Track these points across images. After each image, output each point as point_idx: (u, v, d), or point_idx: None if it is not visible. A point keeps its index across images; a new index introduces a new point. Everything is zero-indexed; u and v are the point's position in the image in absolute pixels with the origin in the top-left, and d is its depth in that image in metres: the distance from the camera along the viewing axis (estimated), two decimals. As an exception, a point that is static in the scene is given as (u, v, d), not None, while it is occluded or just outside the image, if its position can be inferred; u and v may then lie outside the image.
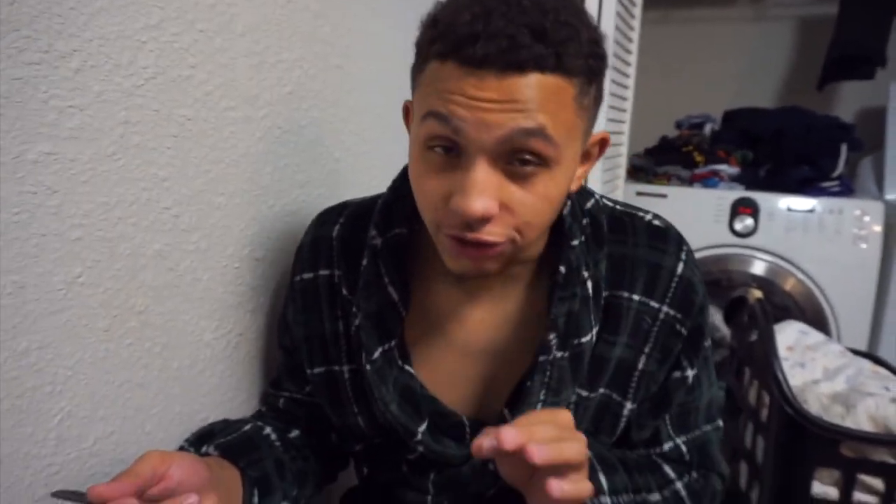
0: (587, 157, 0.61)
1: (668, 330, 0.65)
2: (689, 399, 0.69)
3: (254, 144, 0.81)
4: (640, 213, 0.69)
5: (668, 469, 0.68)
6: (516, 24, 0.49)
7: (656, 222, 0.68)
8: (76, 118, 0.58)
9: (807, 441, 1.18)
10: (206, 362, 0.78)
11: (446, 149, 0.53)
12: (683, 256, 0.66)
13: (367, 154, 1.09)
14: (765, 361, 1.27)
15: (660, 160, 2.08)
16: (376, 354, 0.65)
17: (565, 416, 0.52)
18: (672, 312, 0.65)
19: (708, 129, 2.12)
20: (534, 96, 0.50)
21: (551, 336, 0.61)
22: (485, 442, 0.47)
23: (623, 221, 0.67)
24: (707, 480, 0.70)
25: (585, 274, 0.63)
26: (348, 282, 0.70)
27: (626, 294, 0.65)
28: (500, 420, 0.63)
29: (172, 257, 0.71)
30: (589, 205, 0.67)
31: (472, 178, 0.51)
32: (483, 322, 0.67)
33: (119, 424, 0.67)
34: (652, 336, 0.65)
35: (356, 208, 0.75)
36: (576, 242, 0.63)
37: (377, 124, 1.10)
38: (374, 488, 0.79)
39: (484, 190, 0.51)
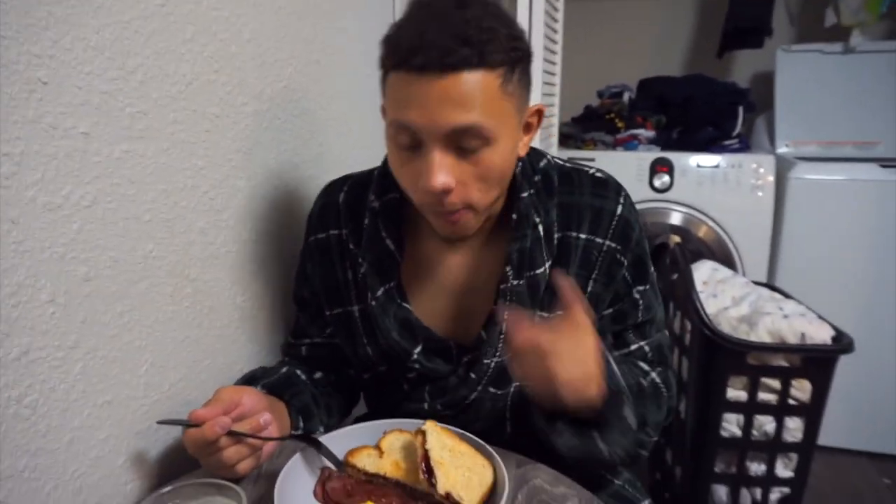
0: (529, 128, 0.75)
1: (611, 259, 0.80)
2: (647, 316, 0.84)
3: (262, 134, 0.95)
4: (585, 168, 0.83)
5: (641, 364, 0.84)
6: (446, 34, 0.62)
7: (598, 174, 0.83)
8: (143, 121, 0.71)
9: (721, 356, 1.43)
10: (238, 322, 0.92)
11: (411, 144, 0.68)
12: (622, 200, 0.81)
13: (345, 136, 1.23)
14: (686, 295, 1.52)
15: (586, 127, 2.30)
16: (379, 293, 0.81)
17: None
18: (613, 245, 0.80)
19: (626, 97, 2.35)
20: (468, 90, 0.63)
21: (508, 269, 0.77)
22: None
23: (570, 175, 0.82)
24: (666, 374, 0.85)
25: (536, 219, 0.77)
26: (354, 238, 0.85)
27: (574, 234, 0.80)
28: (479, 340, 0.80)
29: (211, 233, 0.84)
30: (542, 164, 0.82)
31: (430, 162, 0.66)
32: (460, 265, 0.83)
33: (184, 373, 0.81)
34: (597, 265, 0.80)
35: (357, 179, 0.90)
36: (525, 195, 0.78)
37: (351, 110, 1.24)
38: (381, 411, 0.96)
39: (440, 168, 0.66)
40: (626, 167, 2.10)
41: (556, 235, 0.80)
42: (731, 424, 1.49)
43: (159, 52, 0.72)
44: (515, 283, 0.77)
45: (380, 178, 0.84)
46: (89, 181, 0.64)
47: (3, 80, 0.55)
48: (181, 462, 0.81)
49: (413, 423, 0.72)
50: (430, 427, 0.67)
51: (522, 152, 0.76)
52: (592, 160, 2.13)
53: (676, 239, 1.66)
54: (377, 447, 0.70)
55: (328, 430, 0.84)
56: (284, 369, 0.89)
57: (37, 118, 0.58)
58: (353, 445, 0.71)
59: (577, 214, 0.80)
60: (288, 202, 1.04)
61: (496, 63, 0.65)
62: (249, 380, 0.86)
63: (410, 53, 0.63)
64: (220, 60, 0.83)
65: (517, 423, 0.84)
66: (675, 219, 2.12)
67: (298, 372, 0.90)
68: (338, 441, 0.71)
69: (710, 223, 2.10)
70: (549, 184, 0.81)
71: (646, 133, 2.21)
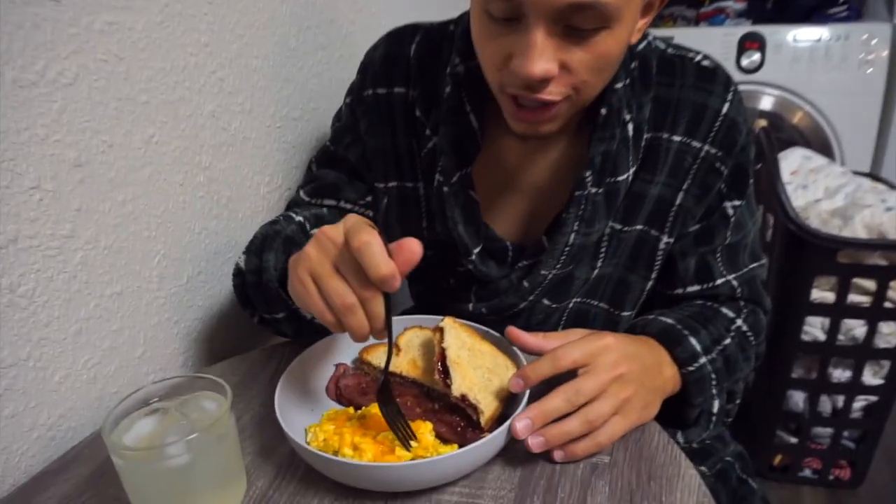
0: (649, 8, 0.59)
1: (708, 167, 0.67)
2: (737, 238, 0.71)
3: (278, 7, 0.86)
4: (691, 55, 0.68)
5: (725, 310, 0.70)
6: None
7: (705, 63, 0.67)
8: (127, -12, 0.63)
9: (807, 254, 1.28)
10: (264, 213, 0.88)
11: (507, 15, 0.53)
12: (730, 97, 0.66)
13: (376, 15, 1.12)
14: (769, 186, 1.35)
15: (665, 2, 2.06)
16: (455, 178, 0.68)
17: (594, 344, 0.56)
18: (713, 151, 0.66)
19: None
20: None
21: (587, 174, 0.64)
22: (518, 424, 0.52)
23: (672, 63, 0.67)
24: (756, 316, 0.73)
25: (627, 116, 0.64)
26: (423, 103, 0.71)
27: (666, 135, 0.66)
28: (539, 247, 0.69)
29: (224, 118, 0.78)
30: (641, 46, 0.67)
31: (532, 42, 0.51)
32: (533, 163, 0.71)
33: (204, 266, 0.78)
34: (691, 174, 0.67)
35: (430, 32, 0.73)
36: (619, 86, 0.63)
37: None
38: (425, 305, 0.90)
39: (543, 52, 0.51)
40: (709, 45, 1.86)
41: (645, 136, 0.66)
42: (815, 328, 1.36)
43: None
44: (594, 190, 0.65)
45: (464, 37, 0.67)
46: (66, 56, 0.58)
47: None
48: (204, 354, 0.79)
49: (433, 319, 0.66)
50: (448, 324, 0.61)
51: (634, 38, 0.59)
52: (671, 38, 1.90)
53: (762, 123, 1.46)
54: (395, 344, 0.65)
55: None
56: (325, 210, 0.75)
57: (-8, -20, 0.52)
58: (372, 341, 0.65)
59: (673, 112, 0.66)
60: (314, 86, 0.96)
61: None
62: (285, 241, 0.67)
63: None
64: (218, -82, 0.74)
65: None
66: (766, 103, 1.89)
67: None
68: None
69: (807, 107, 1.86)
70: (646, 73, 0.66)
71: (734, 5, 1.94)
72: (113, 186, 0.64)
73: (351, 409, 0.60)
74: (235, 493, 0.51)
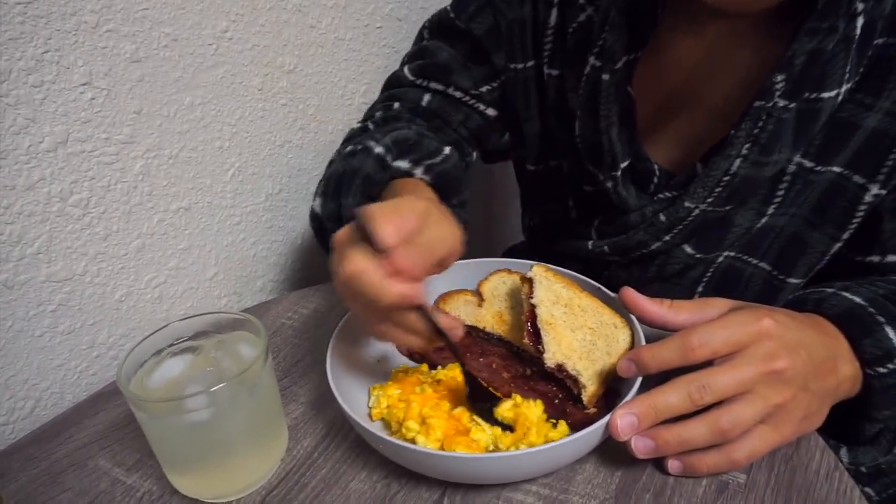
0: None
1: None
2: None
3: None
4: None
5: None
6: None
7: None
8: None
9: None
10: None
11: None
12: None
13: None
14: None
15: None
16: (620, 63, 0.52)
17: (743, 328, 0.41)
18: None
19: None
20: None
21: (779, 77, 0.46)
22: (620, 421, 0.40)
23: None
24: None
25: (860, 5, 0.45)
26: None
27: None
28: (691, 174, 0.54)
29: (312, 13, 0.68)
30: None
31: None
32: (709, 63, 0.53)
33: (286, 182, 0.70)
34: None
35: None
36: None
37: None
38: (539, 239, 0.76)
39: None
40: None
41: (876, 41, 0.47)
42: None
43: None
44: (783, 103, 0.47)
45: None
46: (118, -73, 0.50)
47: None
48: (283, 280, 0.73)
49: (524, 263, 0.53)
50: (538, 273, 0.48)
51: None
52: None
53: None
54: (477, 292, 0.54)
55: None
56: (447, 151, 0.57)
57: None
58: (448, 287, 0.55)
59: None
60: (424, -20, 0.82)
61: None
62: (404, 149, 0.54)
63: None
64: None
65: None
66: None
67: (454, 156, 0.57)
68: (428, 279, 0.55)
69: None
70: None
71: None
72: (179, 88, 0.57)
73: (425, 367, 0.50)
74: (271, 452, 0.43)
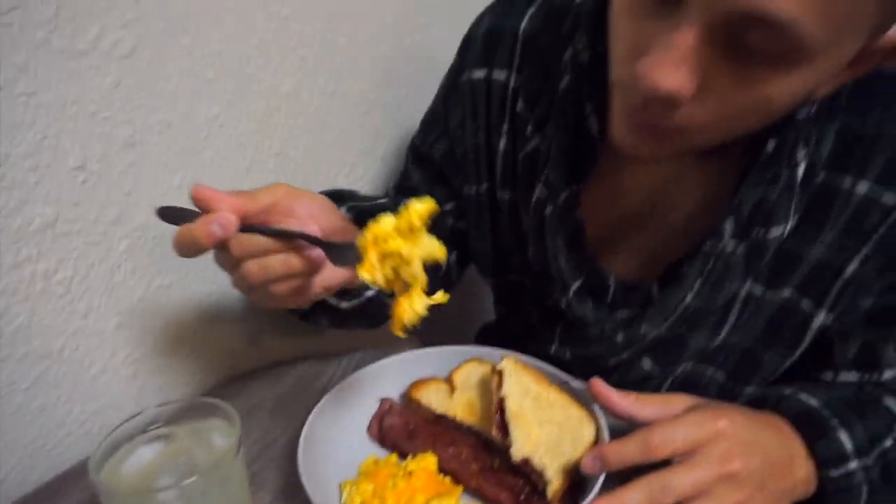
0: (863, 59, 0.40)
1: None
2: None
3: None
4: None
5: (890, 402, 0.52)
6: None
7: None
8: (198, -49, 0.57)
9: None
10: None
11: None
12: None
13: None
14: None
15: None
16: (562, 197, 0.55)
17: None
18: None
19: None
20: None
21: (727, 223, 0.49)
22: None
23: (871, 86, 0.47)
24: None
25: (800, 154, 0.48)
26: (527, 94, 0.58)
27: (849, 181, 0.49)
28: (647, 295, 0.56)
29: (302, 98, 0.71)
30: None
31: (672, 45, 0.37)
32: (663, 187, 0.56)
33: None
34: (876, 237, 0.49)
35: (550, 2, 0.59)
36: (802, 116, 0.47)
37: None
38: (508, 329, 0.79)
39: (683, 62, 0.37)
40: None
41: (818, 179, 0.50)
42: None
43: None
44: (732, 244, 0.50)
45: (597, 13, 0.51)
46: (124, 24, 0.53)
47: None
48: (260, 356, 0.74)
49: (495, 353, 0.55)
50: (508, 366, 0.50)
51: (822, 91, 0.43)
52: None
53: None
54: (448, 380, 0.55)
55: None
56: (383, 200, 0.67)
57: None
58: (421, 374, 0.56)
59: (864, 152, 0.48)
60: (410, 65, 0.87)
61: None
62: (336, 194, 0.63)
63: None
64: None
65: None
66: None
67: (382, 201, 0.67)
68: (401, 367, 0.57)
69: None
70: (835, 96, 0.47)
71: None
72: (169, 170, 0.59)
73: (394, 457, 0.51)
74: (238, 545, 0.44)
